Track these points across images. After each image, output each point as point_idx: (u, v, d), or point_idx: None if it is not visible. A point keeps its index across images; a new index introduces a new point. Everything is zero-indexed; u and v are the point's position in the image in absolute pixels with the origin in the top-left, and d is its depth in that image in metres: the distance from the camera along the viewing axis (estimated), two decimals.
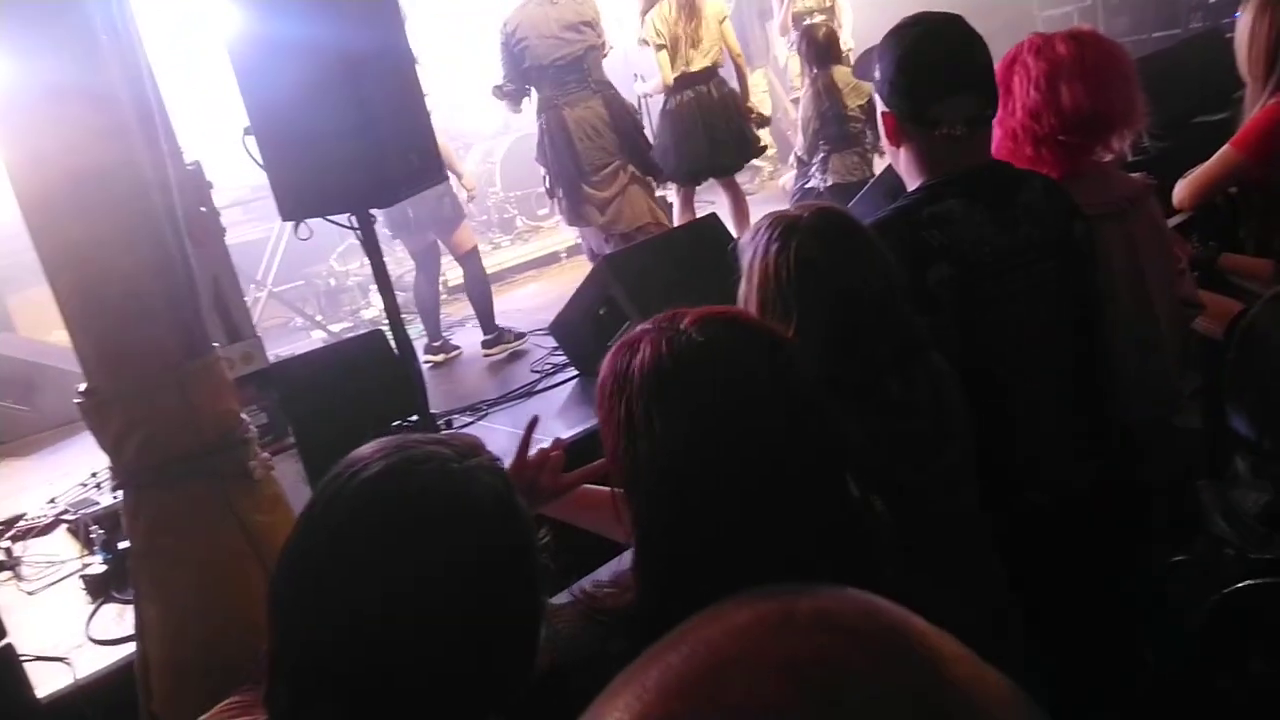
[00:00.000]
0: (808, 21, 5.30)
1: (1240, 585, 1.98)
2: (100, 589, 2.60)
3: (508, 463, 1.46)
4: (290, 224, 3.34)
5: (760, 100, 7.49)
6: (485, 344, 4.68)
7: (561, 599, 1.27)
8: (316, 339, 6.25)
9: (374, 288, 7.00)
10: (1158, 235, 2.07)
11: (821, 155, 4.95)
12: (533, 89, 4.82)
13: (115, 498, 2.76)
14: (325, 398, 3.11)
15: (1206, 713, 1.96)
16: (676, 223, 4.98)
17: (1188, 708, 1.98)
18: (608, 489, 1.58)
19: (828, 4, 5.84)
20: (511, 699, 0.96)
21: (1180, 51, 4.48)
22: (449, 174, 4.29)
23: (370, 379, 3.28)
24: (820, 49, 4.97)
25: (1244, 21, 2.72)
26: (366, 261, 3.10)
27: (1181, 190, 2.83)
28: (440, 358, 4.80)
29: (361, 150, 2.77)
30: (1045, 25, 7.20)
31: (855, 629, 0.38)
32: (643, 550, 1.09)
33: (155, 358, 1.78)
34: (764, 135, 6.99)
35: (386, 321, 3.13)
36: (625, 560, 1.19)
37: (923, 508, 1.39)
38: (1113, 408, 1.86)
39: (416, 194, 3.08)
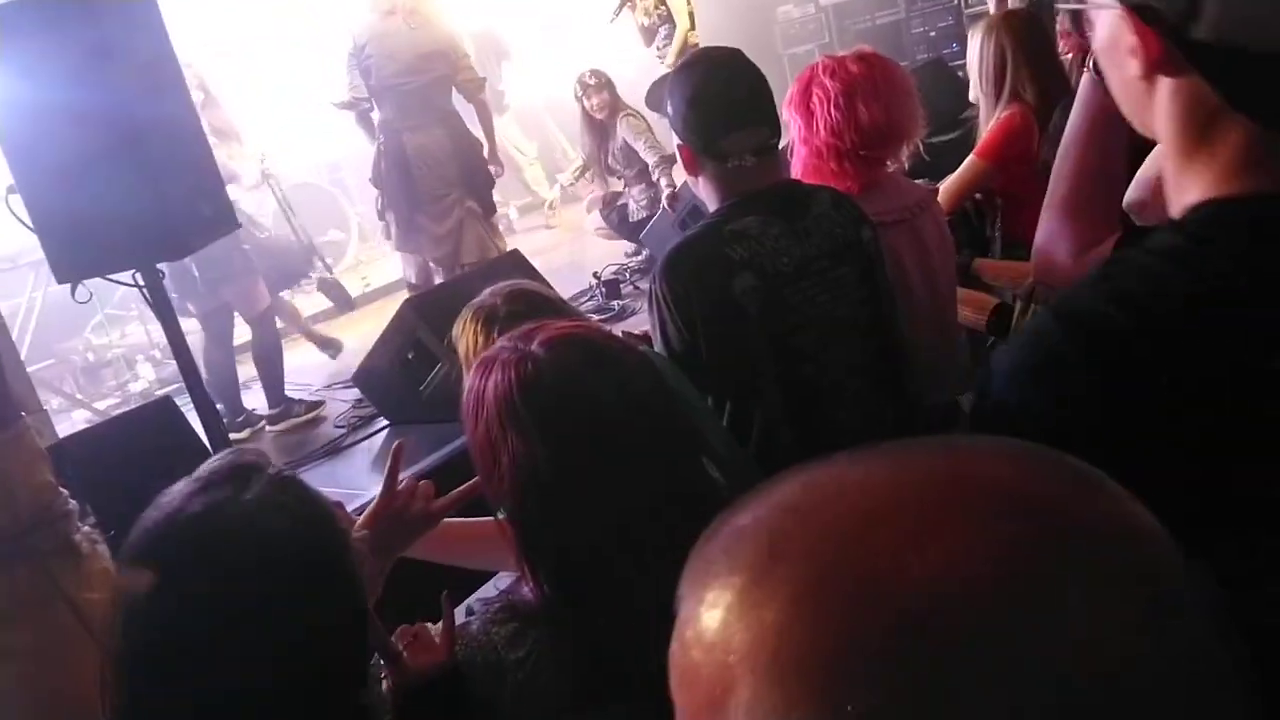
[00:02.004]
0: (587, 73, 5.53)
1: None
2: None
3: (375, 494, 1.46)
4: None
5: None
6: (271, 419, 4.22)
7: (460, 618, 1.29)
8: (80, 419, 5.74)
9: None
10: (943, 235, 2.31)
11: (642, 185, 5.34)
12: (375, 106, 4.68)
13: None
14: (120, 474, 2.88)
15: None
16: None
17: None
18: (471, 520, 1.61)
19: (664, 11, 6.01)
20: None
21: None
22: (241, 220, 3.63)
23: (167, 449, 3.08)
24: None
25: (973, 46, 3.06)
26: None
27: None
28: (247, 433, 4.24)
29: (145, 204, 2.63)
30: (790, 62, 7.76)
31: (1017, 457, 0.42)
32: (530, 554, 1.16)
33: None
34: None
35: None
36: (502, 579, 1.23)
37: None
38: (915, 396, 2.06)
39: (208, 244, 2.94)
